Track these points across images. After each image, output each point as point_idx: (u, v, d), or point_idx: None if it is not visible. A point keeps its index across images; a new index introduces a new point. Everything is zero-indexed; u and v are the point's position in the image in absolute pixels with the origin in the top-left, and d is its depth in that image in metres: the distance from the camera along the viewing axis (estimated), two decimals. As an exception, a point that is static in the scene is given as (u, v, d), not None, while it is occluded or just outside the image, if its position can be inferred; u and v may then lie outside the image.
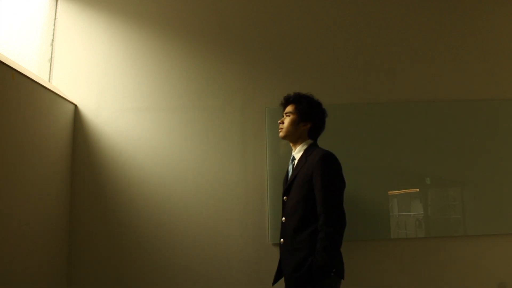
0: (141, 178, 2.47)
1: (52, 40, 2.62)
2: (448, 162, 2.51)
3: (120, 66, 2.61)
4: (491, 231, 2.47)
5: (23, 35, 2.40)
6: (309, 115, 1.97)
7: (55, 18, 2.64)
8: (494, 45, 2.71)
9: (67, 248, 2.39)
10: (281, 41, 2.66)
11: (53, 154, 2.28)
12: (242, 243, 2.42)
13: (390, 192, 2.49)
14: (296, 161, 1.97)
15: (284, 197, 1.96)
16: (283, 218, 1.94)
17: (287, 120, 1.99)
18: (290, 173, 2.01)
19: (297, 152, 1.98)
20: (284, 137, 2.02)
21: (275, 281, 1.98)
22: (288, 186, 1.94)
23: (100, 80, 2.58)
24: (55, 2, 2.66)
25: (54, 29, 2.63)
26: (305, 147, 1.96)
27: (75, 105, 2.54)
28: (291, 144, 2.05)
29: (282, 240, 1.92)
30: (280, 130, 2.02)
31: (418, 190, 2.51)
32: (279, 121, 2.04)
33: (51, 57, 2.60)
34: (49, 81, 2.56)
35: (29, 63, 2.40)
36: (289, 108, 2.01)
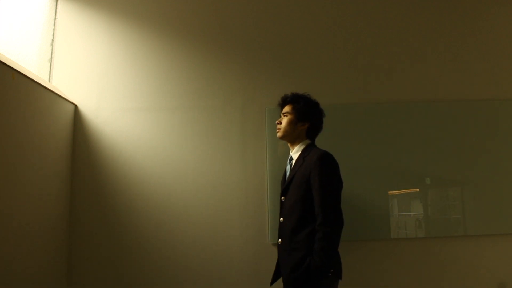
0: (141, 178, 2.47)
1: (52, 40, 2.62)
2: (448, 162, 2.51)
3: (120, 66, 2.61)
4: (491, 231, 2.47)
5: (23, 35, 2.40)
6: (307, 115, 1.96)
7: (55, 18, 2.64)
8: (494, 45, 2.71)
9: (67, 248, 2.39)
10: (281, 41, 2.66)
11: (53, 154, 2.28)
12: (242, 243, 2.42)
13: (390, 192, 2.49)
14: (294, 161, 1.97)
15: (282, 197, 1.96)
16: (281, 219, 1.93)
17: (284, 120, 1.99)
18: (287, 173, 2.01)
19: (295, 152, 1.98)
20: (282, 137, 2.01)
21: (273, 281, 1.98)
22: (286, 186, 1.94)
23: (100, 80, 2.58)
24: (55, 2, 2.66)
25: (54, 29, 2.63)
26: (302, 147, 1.96)
27: (75, 105, 2.54)
28: (289, 144, 2.04)
29: (280, 240, 1.92)
30: (277, 131, 2.02)
31: (418, 190, 2.51)
32: (276, 122, 2.04)
33: (51, 57, 2.60)
34: (49, 81, 2.56)
35: (29, 63, 2.40)
36: (286, 108, 2.01)
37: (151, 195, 2.45)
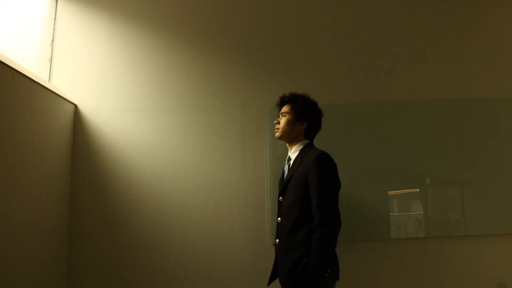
0: (141, 178, 2.47)
1: (52, 40, 2.62)
2: (448, 162, 2.51)
3: (120, 66, 2.61)
4: (491, 231, 2.47)
5: (23, 35, 2.40)
6: (305, 115, 1.96)
7: (55, 18, 2.64)
8: (494, 45, 2.71)
9: (67, 248, 2.39)
10: (281, 41, 2.66)
11: (53, 154, 2.28)
12: (242, 243, 2.42)
13: (390, 192, 2.49)
14: (292, 161, 1.96)
15: (280, 198, 1.95)
16: (279, 219, 1.93)
17: (283, 120, 1.98)
18: (286, 173, 2.00)
19: (293, 152, 1.97)
20: (280, 137, 2.01)
21: (270, 281, 1.97)
22: (283, 186, 1.93)
23: (100, 80, 2.58)
24: (55, 2, 2.66)
25: (54, 29, 2.63)
26: (301, 147, 1.95)
27: (75, 105, 2.54)
28: (287, 144, 2.04)
29: (277, 240, 1.91)
30: (276, 131, 2.01)
31: (418, 190, 2.51)
32: (275, 121, 2.03)
33: (51, 57, 2.60)
34: (49, 81, 2.56)
35: (29, 63, 2.40)
36: (285, 108, 2.01)
37: (151, 195, 2.45)
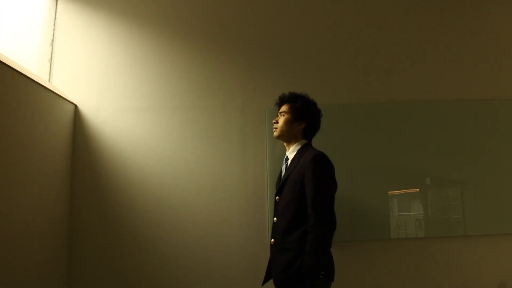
0: (141, 178, 2.47)
1: (52, 40, 2.62)
2: (448, 162, 2.51)
3: (120, 66, 2.61)
4: (491, 231, 2.47)
5: (23, 35, 2.40)
6: (304, 115, 1.95)
7: (55, 18, 2.64)
8: (494, 45, 2.71)
9: (67, 248, 2.39)
10: (281, 41, 2.66)
11: (53, 154, 2.28)
12: (242, 242, 2.42)
13: (390, 192, 2.49)
14: (289, 161, 1.95)
15: (276, 197, 1.94)
16: (275, 218, 1.92)
17: (281, 120, 1.97)
18: (283, 173, 1.99)
19: (291, 152, 1.97)
20: (278, 137, 2.00)
21: (265, 281, 1.96)
22: (280, 186, 1.93)
23: (100, 80, 2.58)
24: (55, 2, 2.66)
25: (54, 29, 2.63)
26: (298, 147, 1.95)
27: (75, 105, 2.54)
28: (285, 144, 2.03)
29: (272, 240, 1.91)
30: (274, 130, 2.00)
31: (418, 190, 2.51)
32: (273, 121, 2.02)
33: (51, 57, 2.60)
34: (49, 81, 2.56)
35: (29, 63, 2.40)
36: (283, 108, 2.00)
37: (151, 195, 2.45)
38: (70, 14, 2.65)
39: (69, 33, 2.63)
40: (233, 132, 2.54)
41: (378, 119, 2.56)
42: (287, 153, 2.01)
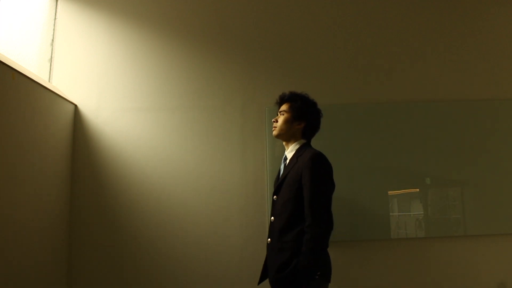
0: (141, 178, 2.47)
1: (52, 40, 2.62)
2: (448, 162, 2.51)
3: (120, 66, 2.61)
4: (491, 231, 2.47)
5: (23, 35, 2.40)
6: (304, 114, 1.94)
7: (55, 18, 2.64)
8: (494, 45, 2.71)
9: (67, 248, 2.39)
10: (281, 41, 2.66)
11: (53, 154, 2.28)
12: (242, 242, 2.42)
13: (390, 192, 2.49)
14: (287, 161, 1.95)
15: (274, 197, 1.93)
16: (272, 218, 1.91)
17: (281, 119, 1.97)
18: (281, 173, 1.99)
19: (289, 152, 1.96)
20: (277, 136, 1.99)
21: (261, 281, 1.95)
22: (278, 185, 1.92)
23: (100, 80, 2.58)
24: (55, 2, 2.66)
25: (54, 29, 2.63)
26: (297, 146, 1.94)
27: (75, 105, 2.55)
28: (284, 143, 2.02)
29: (269, 239, 1.90)
30: (273, 129, 1.99)
31: (418, 190, 2.51)
32: (273, 120, 2.01)
33: (51, 57, 2.60)
34: (49, 81, 2.56)
35: (29, 63, 2.40)
36: (283, 107, 1.99)
37: (151, 195, 2.45)
38: (70, 14, 2.65)
39: (69, 33, 2.63)
40: (233, 132, 2.54)
41: (378, 119, 2.56)
42: (285, 153, 2.00)
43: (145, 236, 2.41)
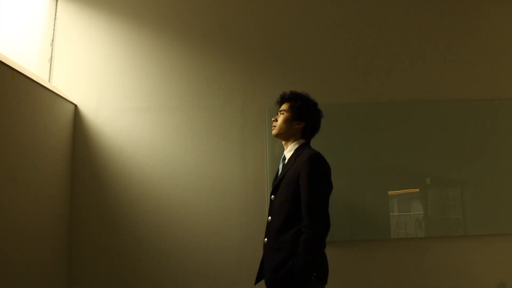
0: (141, 178, 2.47)
1: (52, 40, 2.62)
2: (448, 162, 2.51)
3: (120, 66, 2.61)
4: (491, 231, 2.47)
5: (23, 35, 2.40)
6: (303, 114, 1.93)
7: (55, 18, 2.64)
8: (494, 45, 2.71)
9: (67, 248, 2.39)
10: (281, 41, 2.66)
11: (53, 154, 2.28)
12: (242, 242, 2.42)
13: (390, 192, 2.49)
14: (286, 161, 1.94)
15: (272, 196, 1.92)
16: (269, 218, 1.90)
17: (280, 118, 1.96)
18: (279, 172, 1.98)
19: (288, 151, 1.95)
20: (277, 135, 1.98)
21: (257, 281, 1.93)
22: (276, 185, 1.91)
23: (100, 80, 2.58)
24: (55, 2, 2.66)
25: (54, 29, 2.63)
26: (296, 146, 1.92)
27: (75, 105, 2.55)
28: (283, 143, 2.00)
29: (266, 239, 1.89)
30: (273, 128, 1.99)
31: (418, 190, 2.51)
32: (273, 119, 2.00)
33: (51, 57, 2.60)
34: (49, 81, 2.56)
35: (29, 63, 2.40)
36: (283, 106, 1.98)
37: (151, 195, 2.45)
38: (70, 14, 2.65)
39: (69, 33, 2.63)
40: (233, 132, 2.54)
41: (378, 119, 2.56)
42: (284, 152, 1.99)
43: (145, 236, 2.41)
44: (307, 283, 1.67)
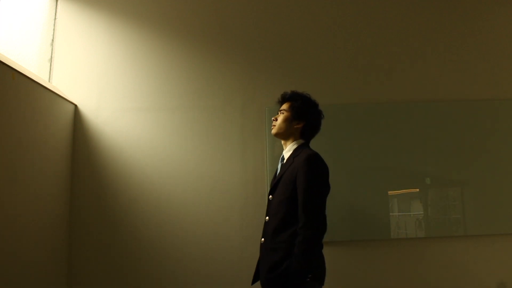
0: (141, 178, 2.47)
1: (52, 40, 2.62)
2: (448, 162, 2.51)
3: (120, 66, 2.61)
4: (491, 231, 2.47)
5: (23, 35, 2.40)
6: (304, 114, 1.92)
7: (55, 18, 2.64)
8: (494, 45, 2.71)
9: (67, 248, 2.39)
10: (281, 41, 2.66)
11: (53, 154, 2.28)
12: (242, 242, 2.42)
13: (390, 192, 2.49)
14: (284, 160, 1.93)
15: (270, 196, 1.91)
16: (267, 218, 1.88)
17: (280, 117, 1.95)
18: (278, 172, 1.97)
19: (287, 151, 1.93)
20: (276, 135, 1.97)
21: (254, 281, 1.92)
22: (274, 185, 1.90)
23: (100, 80, 2.58)
24: (55, 2, 2.66)
25: (54, 29, 2.63)
26: (295, 146, 1.91)
27: (75, 105, 2.55)
28: (282, 142, 1.99)
29: (262, 239, 1.88)
30: (272, 127, 1.98)
31: (418, 190, 2.51)
32: (273, 118, 1.99)
33: (51, 57, 2.60)
34: (49, 81, 2.56)
35: (29, 63, 2.40)
36: (284, 106, 1.97)
37: (151, 195, 2.45)
38: (70, 14, 2.65)
39: (69, 33, 2.63)
40: (233, 132, 2.54)
41: (378, 119, 2.56)
42: (283, 152, 1.99)
43: (145, 236, 2.41)
44: (302, 284, 1.66)
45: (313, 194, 1.72)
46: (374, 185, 2.47)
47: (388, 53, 2.67)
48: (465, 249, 2.45)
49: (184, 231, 2.42)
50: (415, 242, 2.46)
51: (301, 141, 1.93)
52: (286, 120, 1.93)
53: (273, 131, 1.97)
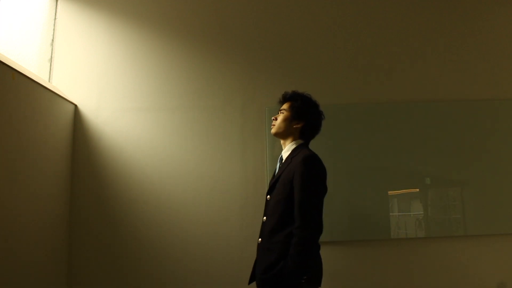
0: (141, 178, 2.47)
1: (52, 40, 2.62)
2: (448, 162, 2.51)
3: (120, 66, 2.61)
4: (491, 231, 2.47)
5: (23, 35, 2.40)
6: (303, 114, 1.91)
7: (55, 18, 2.65)
8: (494, 45, 2.71)
9: (67, 248, 2.39)
10: (281, 41, 2.66)
11: (53, 154, 2.28)
12: (242, 242, 2.42)
13: (390, 192, 2.49)
14: (283, 160, 1.93)
15: (267, 196, 1.90)
16: (264, 218, 1.88)
17: (280, 117, 1.95)
18: (276, 172, 1.97)
19: (286, 151, 1.93)
20: (275, 134, 1.96)
21: (251, 281, 1.90)
22: (272, 185, 1.89)
23: (100, 80, 2.58)
24: (55, 2, 2.66)
25: (54, 29, 2.63)
26: (294, 146, 1.90)
27: (75, 105, 2.55)
28: (281, 142, 1.98)
29: (260, 239, 1.87)
30: (272, 127, 1.97)
31: (418, 190, 2.51)
32: (272, 118, 1.99)
33: (51, 57, 2.60)
34: (49, 81, 2.56)
35: (29, 63, 2.40)
36: (284, 106, 1.96)
37: (151, 195, 2.45)
38: (70, 14, 2.65)
39: (69, 33, 2.63)
40: (233, 132, 2.54)
41: (378, 119, 2.56)
42: (282, 152, 1.98)
43: (145, 235, 2.41)
44: (297, 285, 1.64)
45: (309, 194, 1.70)
46: (374, 185, 2.47)
47: (388, 53, 2.67)
48: (465, 249, 2.45)
49: (184, 231, 2.42)
50: (415, 242, 2.46)
51: (300, 141, 1.93)
52: (285, 120, 1.92)
53: (273, 130, 1.97)
